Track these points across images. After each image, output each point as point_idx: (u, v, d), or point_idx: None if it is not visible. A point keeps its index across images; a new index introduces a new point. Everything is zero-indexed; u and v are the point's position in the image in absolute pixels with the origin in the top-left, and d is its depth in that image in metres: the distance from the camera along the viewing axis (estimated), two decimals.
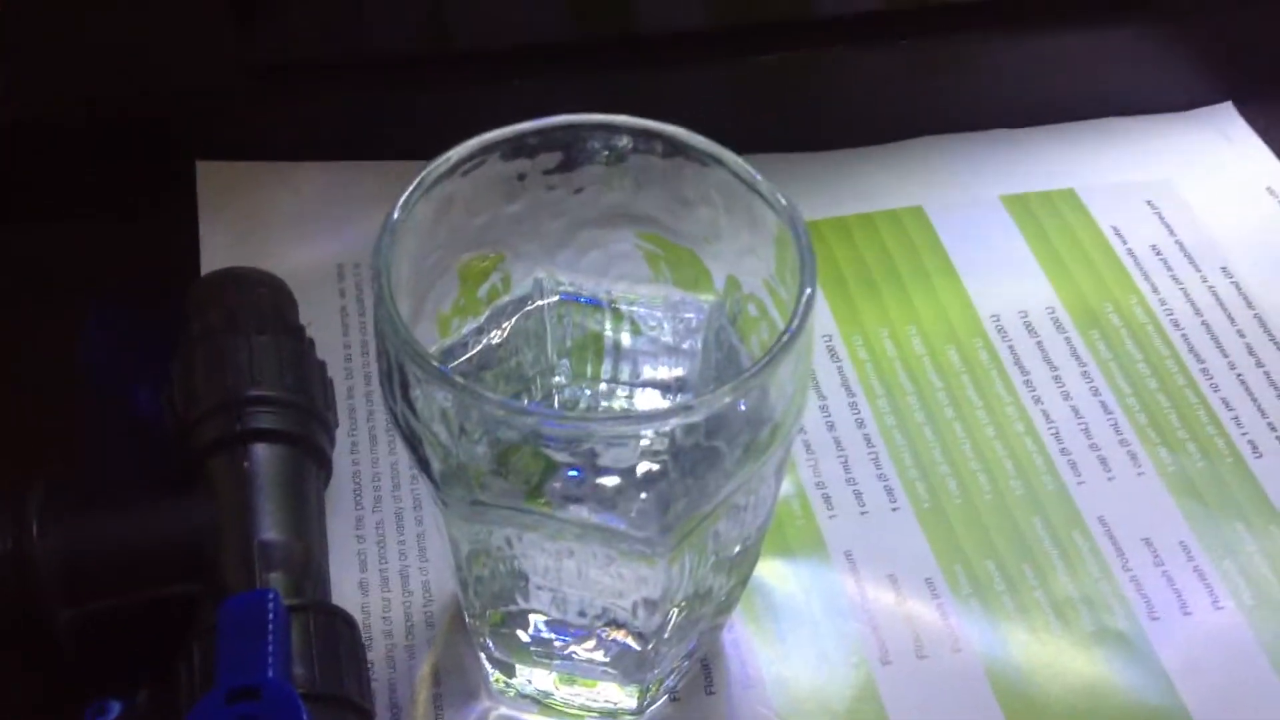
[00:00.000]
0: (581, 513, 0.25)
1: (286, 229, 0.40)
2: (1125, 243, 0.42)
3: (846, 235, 0.42)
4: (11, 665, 0.31)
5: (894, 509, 0.35)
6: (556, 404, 0.31)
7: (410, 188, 0.26)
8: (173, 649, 0.29)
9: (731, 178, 0.27)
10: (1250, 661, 0.32)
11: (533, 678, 0.30)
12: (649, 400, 0.31)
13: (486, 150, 0.27)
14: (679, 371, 0.31)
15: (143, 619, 0.31)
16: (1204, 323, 0.40)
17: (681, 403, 0.28)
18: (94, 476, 0.34)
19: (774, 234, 0.27)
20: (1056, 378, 0.38)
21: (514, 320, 0.30)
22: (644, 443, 0.23)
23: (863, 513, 0.35)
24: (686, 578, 0.27)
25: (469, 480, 0.25)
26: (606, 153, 0.28)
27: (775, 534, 0.34)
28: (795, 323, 0.24)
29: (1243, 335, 0.39)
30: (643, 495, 0.24)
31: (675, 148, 0.27)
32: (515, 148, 0.27)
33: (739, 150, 0.28)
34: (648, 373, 0.31)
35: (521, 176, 0.28)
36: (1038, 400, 0.38)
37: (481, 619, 0.29)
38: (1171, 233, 0.42)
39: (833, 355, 0.39)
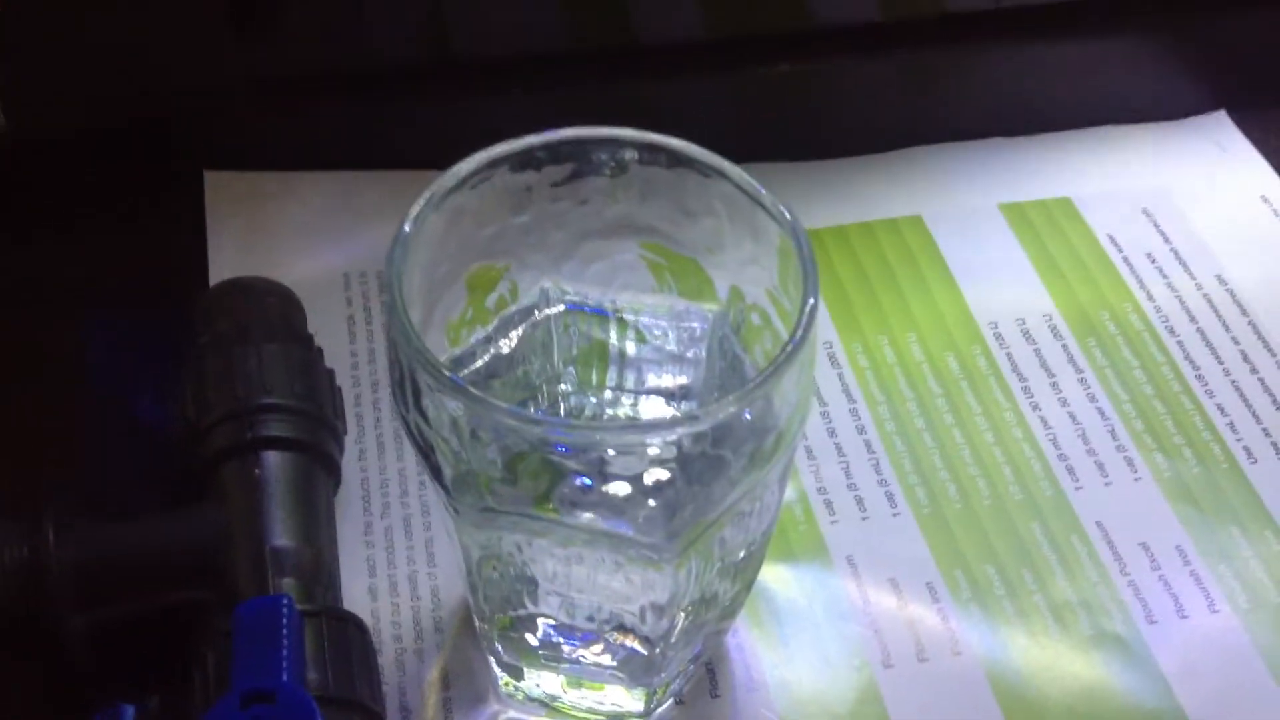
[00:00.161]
0: (590, 519, 0.25)
1: (294, 238, 0.41)
2: (1121, 251, 0.42)
3: (846, 244, 0.42)
4: (25, 671, 0.32)
5: (895, 514, 0.35)
6: (563, 411, 0.31)
7: (421, 201, 0.26)
8: (184, 655, 0.29)
9: (734, 189, 0.27)
10: (1246, 664, 0.33)
11: (541, 681, 0.30)
12: (653, 408, 0.32)
13: (495, 164, 0.27)
14: (683, 380, 0.31)
15: (154, 625, 0.31)
16: (1199, 330, 0.40)
17: (688, 412, 0.29)
18: (106, 485, 0.35)
19: (777, 245, 0.27)
20: (1054, 384, 0.39)
21: (522, 329, 0.30)
22: (652, 451, 0.24)
23: (864, 518, 0.35)
24: (693, 583, 0.27)
25: (480, 487, 0.25)
26: (611, 165, 0.28)
27: (778, 539, 0.35)
28: (799, 333, 0.25)
29: (1237, 342, 0.40)
30: (650, 502, 0.25)
31: (679, 160, 0.28)
32: (523, 161, 0.28)
33: (739, 159, 0.28)
34: (652, 381, 0.32)
35: (528, 189, 0.28)
36: (1035, 407, 0.38)
37: (490, 623, 0.30)
38: (1167, 240, 0.43)
39: (833, 362, 0.39)
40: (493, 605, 0.29)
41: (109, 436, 0.36)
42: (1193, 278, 0.42)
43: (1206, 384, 0.39)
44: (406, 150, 0.42)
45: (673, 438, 0.24)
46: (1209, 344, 0.40)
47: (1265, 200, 0.44)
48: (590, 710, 0.31)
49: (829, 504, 0.36)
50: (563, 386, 0.31)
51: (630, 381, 0.31)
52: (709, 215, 0.29)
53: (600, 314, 0.31)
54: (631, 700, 0.30)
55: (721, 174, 0.27)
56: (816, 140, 0.45)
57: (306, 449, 0.32)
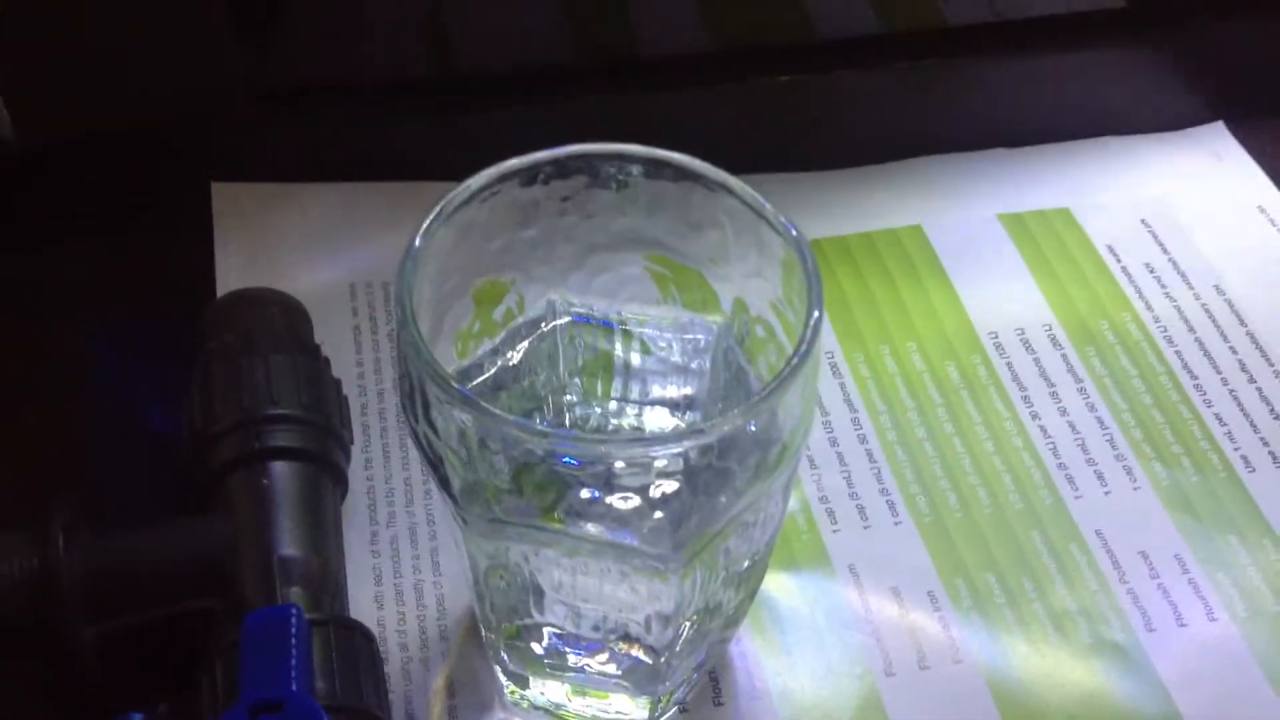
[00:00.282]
0: (596, 530, 0.25)
1: (300, 249, 0.41)
2: (1119, 261, 0.43)
3: (847, 254, 0.43)
4: (35, 679, 0.32)
5: (896, 523, 0.36)
6: (568, 421, 0.32)
7: (431, 215, 0.26)
8: (193, 664, 0.30)
9: (739, 204, 0.28)
10: (1244, 672, 0.33)
11: (546, 690, 0.31)
12: (658, 418, 0.32)
13: (504, 179, 0.28)
14: (688, 390, 0.32)
15: (163, 634, 0.31)
16: (1197, 339, 0.40)
17: (694, 426, 0.29)
18: (113, 495, 0.35)
19: (781, 258, 0.28)
20: (1053, 394, 0.39)
21: (529, 341, 0.30)
22: (658, 464, 0.24)
23: (866, 527, 0.36)
24: (698, 593, 0.27)
25: (487, 498, 0.26)
26: (617, 180, 0.29)
27: (781, 548, 0.35)
28: (804, 347, 0.25)
29: (1235, 352, 0.40)
30: (656, 514, 0.25)
31: (684, 175, 0.28)
32: (530, 176, 0.28)
33: (741, 170, 0.29)
34: (657, 392, 0.32)
35: (536, 203, 0.29)
36: (1035, 416, 0.38)
37: (496, 632, 0.30)
38: (1165, 251, 0.43)
39: (835, 372, 0.40)
40: (499, 614, 0.29)
41: (116, 446, 0.37)
42: (1191, 288, 0.42)
43: (1204, 393, 0.39)
44: (412, 161, 0.43)
45: (679, 450, 0.24)
46: (1207, 354, 0.40)
47: (1262, 211, 0.45)
48: (595, 718, 0.31)
49: (831, 513, 0.36)
50: (568, 397, 0.32)
51: (635, 392, 0.32)
52: (714, 229, 0.29)
53: (606, 326, 0.31)
54: (636, 708, 0.30)
55: (726, 189, 0.28)
56: (817, 151, 0.45)
57: (313, 459, 0.33)
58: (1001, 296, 0.42)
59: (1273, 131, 0.47)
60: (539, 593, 0.28)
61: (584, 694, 0.31)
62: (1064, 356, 0.40)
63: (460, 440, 0.25)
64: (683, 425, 0.32)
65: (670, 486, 0.25)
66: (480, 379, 0.30)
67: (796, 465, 0.28)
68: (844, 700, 0.32)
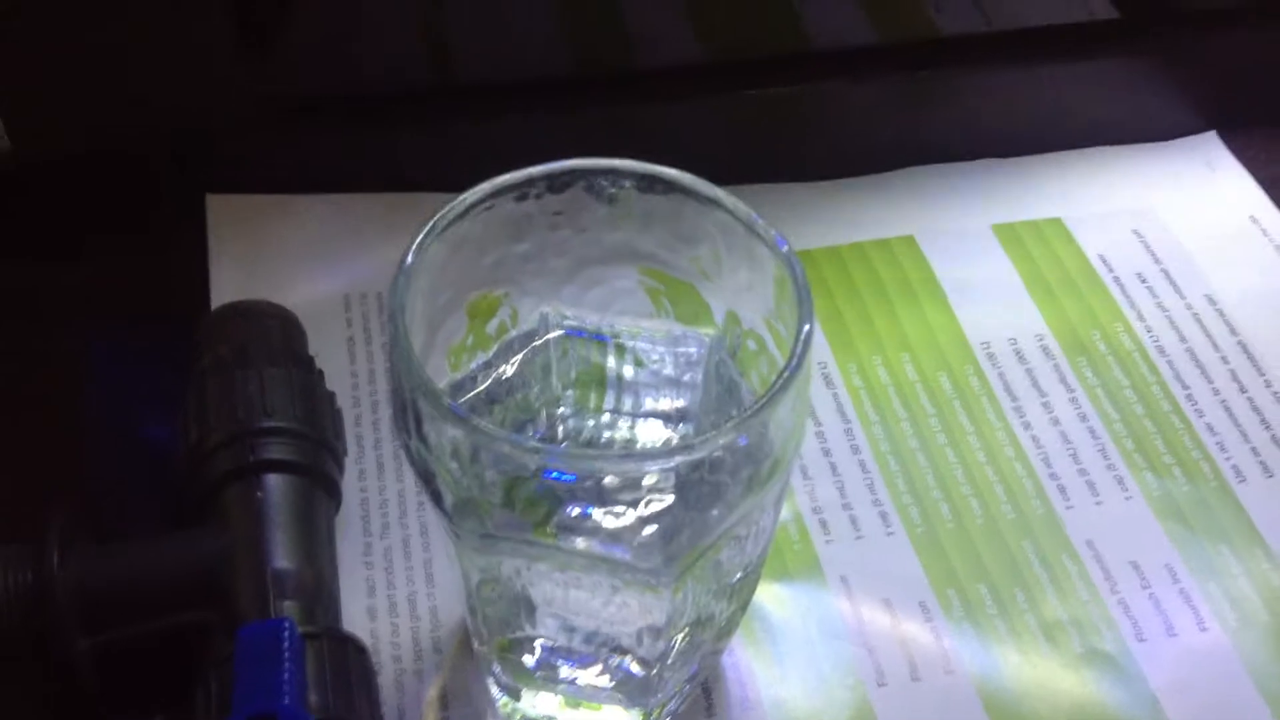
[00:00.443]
0: (588, 545, 0.26)
1: (294, 260, 0.41)
2: (1112, 271, 0.43)
3: (840, 264, 0.43)
4: (31, 693, 0.32)
5: (889, 534, 0.36)
6: (561, 434, 0.32)
7: (423, 231, 0.27)
8: (188, 676, 0.30)
9: (730, 218, 0.28)
10: (1235, 682, 0.33)
11: (538, 702, 0.31)
12: (651, 430, 0.32)
13: (497, 194, 0.28)
14: (680, 403, 0.32)
15: (158, 646, 0.31)
16: (1189, 349, 0.41)
17: (685, 441, 0.29)
18: (108, 508, 0.35)
19: (772, 273, 0.28)
20: (1045, 404, 0.39)
21: (522, 355, 0.31)
22: (649, 479, 0.24)
23: (858, 537, 0.36)
24: (690, 605, 0.28)
25: (480, 513, 0.26)
26: (610, 195, 0.29)
27: (774, 559, 0.35)
28: (794, 361, 0.25)
29: (1226, 361, 0.40)
30: (647, 528, 0.25)
31: (676, 190, 0.28)
32: (523, 191, 0.28)
33: (735, 181, 0.29)
34: (650, 404, 0.32)
35: (529, 217, 0.29)
36: (1027, 426, 0.39)
37: (489, 644, 0.30)
38: (1157, 261, 0.43)
39: (828, 382, 0.40)
40: (491, 627, 0.29)
41: (111, 459, 0.37)
42: (1183, 298, 0.42)
43: (1196, 403, 0.39)
44: (406, 172, 0.43)
45: (670, 466, 0.24)
46: (1198, 363, 0.40)
47: (1254, 220, 0.45)
48: None
49: (824, 524, 0.36)
50: (561, 410, 0.32)
51: (628, 405, 0.32)
52: (706, 243, 0.29)
53: (599, 339, 0.31)
54: None
55: (717, 204, 0.28)
56: (811, 161, 0.45)
57: (307, 472, 0.33)
58: (994, 307, 0.42)
59: (1265, 141, 0.47)
60: (531, 606, 0.28)
61: (576, 706, 0.31)
62: (1056, 366, 0.40)
63: (453, 455, 0.25)
64: (675, 438, 0.32)
65: (662, 501, 0.25)
66: (473, 392, 0.30)
67: (788, 478, 0.28)
68: (836, 711, 0.32)
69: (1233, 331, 0.41)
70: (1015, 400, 0.39)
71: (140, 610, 0.31)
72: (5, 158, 0.41)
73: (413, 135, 0.43)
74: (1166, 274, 0.43)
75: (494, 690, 0.32)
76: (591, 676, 0.30)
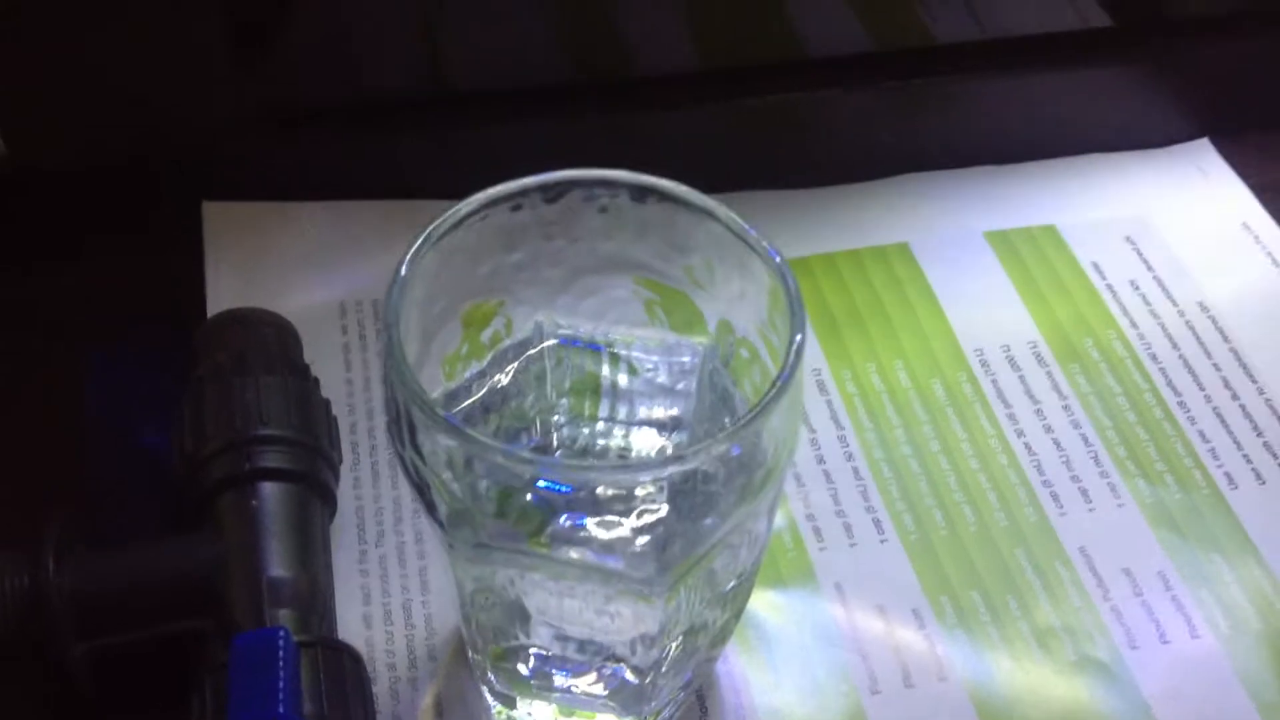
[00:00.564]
0: (581, 555, 0.26)
1: (290, 267, 0.41)
2: (1104, 278, 0.43)
3: (834, 271, 0.43)
4: (27, 699, 0.32)
5: (882, 541, 0.36)
6: (556, 442, 0.32)
7: (418, 241, 0.27)
8: (184, 680, 0.30)
9: (723, 229, 0.28)
10: (1227, 689, 0.33)
11: (533, 710, 0.31)
12: (645, 438, 0.32)
13: (491, 204, 0.28)
14: (674, 411, 0.32)
15: (154, 652, 0.32)
16: (1181, 357, 0.41)
17: (677, 452, 0.29)
18: (104, 514, 0.35)
19: (765, 282, 0.28)
20: (1038, 411, 0.39)
21: (517, 364, 0.31)
22: (641, 490, 0.24)
23: (852, 544, 0.36)
24: (683, 614, 0.28)
25: (474, 523, 0.26)
26: (603, 205, 0.29)
27: (768, 566, 0.35)
28: (786, 371, 0.25)
29: (1219, 369, 0.41)
30: (640, 538, 0.25)
31: (669, 200, 0.28)
32: (518, 201, 0.28)
33: (730, 188, 0.29)
34: (644, 413, 0.32)
35: (523, 227, 0.29)
36: (1020, 433, 0.39)
37: (483, 653, 0.30)
38: (1149, 268, 0.43)
39: (822, 389, 0.40)
40: (486, 636, 0.29)
41: (107, 465, 0.37)
42: (1175, 304, 0.42)
43: (1189, 410, 0.39)
44: (402, 180, 0.43)
45: (663, 476, 0.24)
46: (1191, 371, 0.40)
47: (1247, 227, 0.45)
48: None
49: (818, 531, 0.36)
50: (556, 418, 0.32)
51: (622, 413, 0.32)
52: (698, 253, 0.29)
53: (593, 348, 0.31)
54: None
55: (710, 214, 0.28)
56: (805, 168, 0.45)
57: (303, 480, 0.33)
58: (987, 314, 0.42)
59: (1258, 148, 0.48)
60: (525, 615, 0.28)
61: (571, 714, 0.31)
62: (1049, 374, 0.40)
63: (447, 466, 0.25)
64: (669, 446, 0.32)
65: (655, 511, 0.25)
66: (468, 401, 0.30)
67: (781, 487, 0.28)
68: (830, 718, 0.32)
69: (1225, 339, 0.41)
70: (1009, 407, 0.39)
71: (135, 617, 0.31)
72: (2, 164, 0.41)
73: (410, 142, 0.43)
74: (1159, 281, 0.43)
75: (489, 698, 0.32)
76: (586, 685, 0.30)
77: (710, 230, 0.28)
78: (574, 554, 0.26)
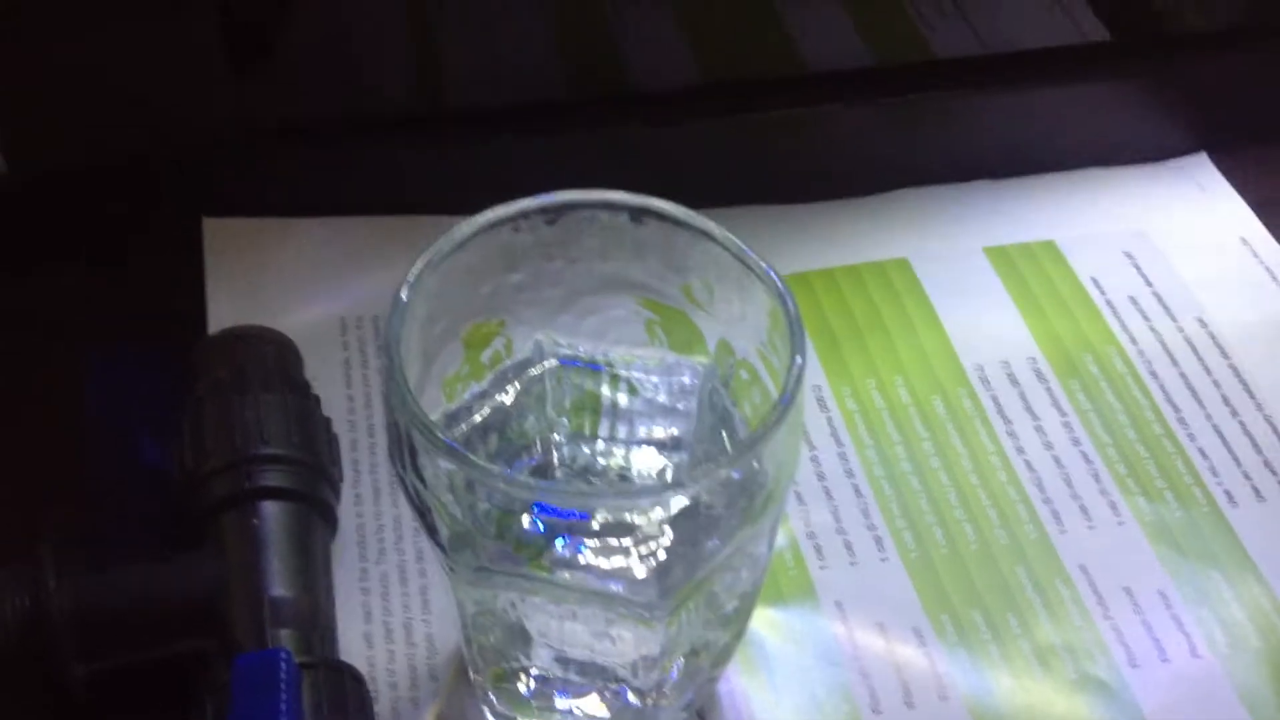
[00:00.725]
0: (582, 579, 0.26)
1: (291, 283, 0.41)
2: (1104, 294, 0.43)
3: (834, 287, 0.43)
4: (27, 717, 0.32)
5: (883, 559, 0.36)
6: (556, 461, 0.32)
7: (419, 265, 0.27)
8: (185, 701, 0.30)
9: (723, 251, 0.28)
10: (1227, 708, 0.33)
11: None
12: (645, 457, 0.32)
13: (492, 226, 0.28)
14: (674, 431, 0.32)
15: (155, 672, 0.31)
16: (1180, 373, 0.41)
17: (678, 478, 0.30)
18: (104, 533, 0.35)
19: (764, 304, 0.28)
20: (1038, 428, 0.39)
21: (518, 384, 0.31)
22: (641, 517, 0.24)
23: (852, 563, 0.36)
24: (685, 636, 0.28)
25: (475, 546, 0.26)
26: (603, 226, 0.29)
27: (769, 584, 0.35)
28: (787, 395, 0.25)
29: (1218, 385, 0.41)
30: (642, 563, 0.25)
31: (669, 222, 0.28)
32: (517, 224, 0.28)
33: (730, 202, 0.29)
34: (644, 432, 0.32)
35: (523, 248, 0.29)
36: (1020, 450, 0.39)
37: (484, 674, 0.30)
38: (1148, 283, 0.44)
39: (822, 406, 0.40)
40: (487, 657, 0.30)
41: (108, 482, 0.37)
42: (1174, 320, 0.42)
43: (1188, 427, 0.39)
44: (403, 195, 0.43)
45: (664, 502, 0.24)
46: (1190, 387, 0.40)
47: (1245, 242, 0.45)
48: None
49: (818, 549, 0.36)
50: (556, 437, 0.32)
51: (622, 433, 0.32)
52: (697, 274, 0.29)
53: (594, 368, 0.32)
54: None
55: (709, 236, 0.28)
56: (805, 183, 0.45)
57: (304, 499, 0.33)
58: (987, 329, 0.42)
59: (1255, 162, 0.48)
60: (526, 637, 0.28)
61: None
62: (1049, 389, 0.40)
63: (448, 489, 0.25)
64: (670, 465, 0.32)
65: (655, 536, 0.25)
66: (468, 422, 0.30)
67: (782, 509, 0.28)
68: None
69: (1224, 355, 0.41)
70: (1009, 423, 0.39)
71: (137, 637, 0.31)
72: (1, 179, 0.42)
73: (410, 157, 0.43)
74: (1158, 297, 0.43)
75: (490, 718, 0.32)
76: (587, 706, 0.30)
77: (709, 251, 0.28)
78: (575, 578, 0.26)
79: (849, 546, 0.36)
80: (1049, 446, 0.39)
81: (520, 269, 0.30)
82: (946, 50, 0.45)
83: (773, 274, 0.27)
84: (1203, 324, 0.42)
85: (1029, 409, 0.40)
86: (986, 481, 0.38)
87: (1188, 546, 0.37)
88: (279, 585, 0.31)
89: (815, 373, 0.41)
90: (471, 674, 0.31)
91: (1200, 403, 0.40)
